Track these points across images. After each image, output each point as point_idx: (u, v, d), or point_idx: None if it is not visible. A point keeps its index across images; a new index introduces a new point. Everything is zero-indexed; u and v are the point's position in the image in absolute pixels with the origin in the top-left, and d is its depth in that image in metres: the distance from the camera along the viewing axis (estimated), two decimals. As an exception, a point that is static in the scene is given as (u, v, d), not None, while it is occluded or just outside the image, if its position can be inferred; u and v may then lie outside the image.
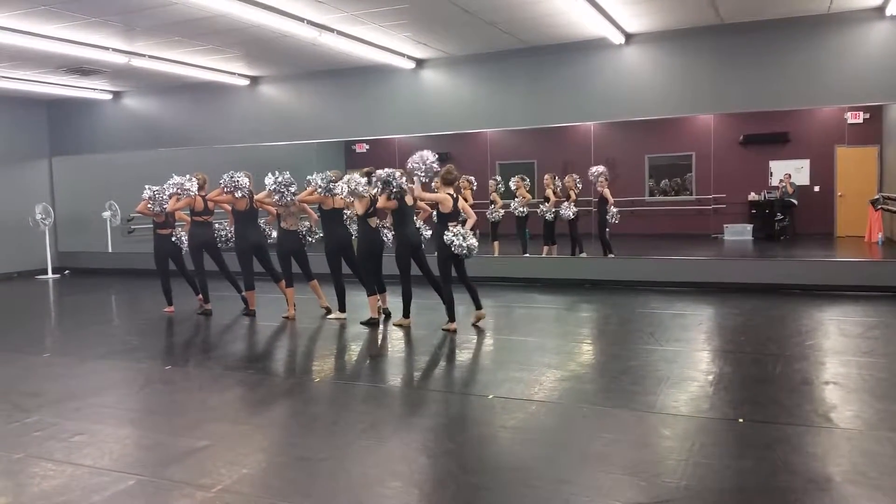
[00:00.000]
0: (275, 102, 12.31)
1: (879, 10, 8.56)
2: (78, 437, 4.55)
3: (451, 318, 7.41)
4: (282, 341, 7.70)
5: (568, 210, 11.91)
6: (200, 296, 8.99)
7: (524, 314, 8.91)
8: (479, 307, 7.68)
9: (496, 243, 12.53)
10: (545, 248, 12.20)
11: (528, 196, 12.50)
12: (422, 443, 4.37)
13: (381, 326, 7.85)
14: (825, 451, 4.06)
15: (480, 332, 7.51)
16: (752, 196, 16.51)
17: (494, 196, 12.51)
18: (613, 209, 11.93)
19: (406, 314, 7.69)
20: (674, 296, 9.47)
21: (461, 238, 7.15)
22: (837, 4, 8.48)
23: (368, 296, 7.91)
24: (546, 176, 12.54)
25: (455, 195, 7.38)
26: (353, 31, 9.03)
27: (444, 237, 7.21)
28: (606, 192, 11.96)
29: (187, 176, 8.73)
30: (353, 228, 8.24)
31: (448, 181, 7.33)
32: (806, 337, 6.91)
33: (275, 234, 8.64)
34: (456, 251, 7.17)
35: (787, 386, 5.27)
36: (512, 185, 12.58)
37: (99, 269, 14.16)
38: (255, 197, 8.54)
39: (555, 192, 12.28)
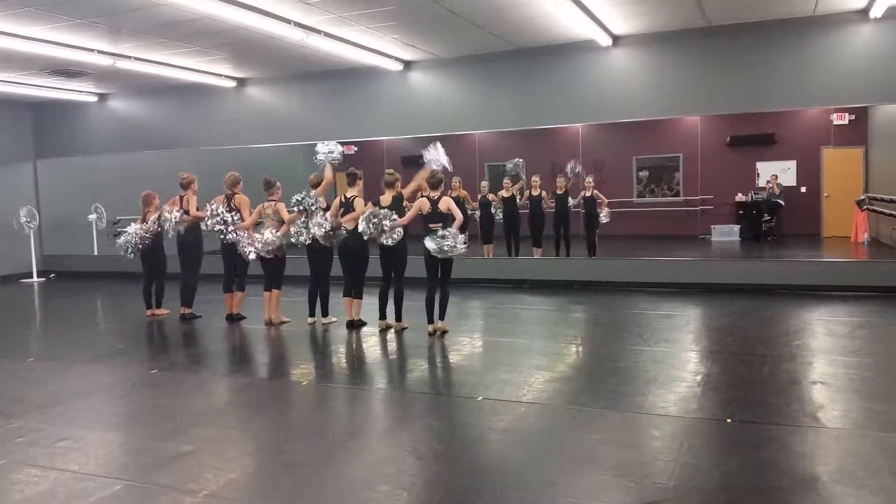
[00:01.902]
0: (262, 104, 12.26)
1: (863, 12, 8.62)
2: (62, 442, 4.50)
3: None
4: (268, 345, 7.65)
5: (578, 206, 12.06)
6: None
7: (513, 315, 8.90)
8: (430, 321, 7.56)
9: (489, 246, 12.53)
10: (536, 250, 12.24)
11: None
12: (410, 445, 4.34)
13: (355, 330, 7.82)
14: (813, 451, 4.07)
15: (469, 334, 7.50)
16: (740, 197, 16.61)
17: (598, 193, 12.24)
18: (605, 209, 11.98)
19: (381, 316, 7.75)
20: (662, 297, 9.49)
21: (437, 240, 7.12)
22: (822, 7, 8.53)
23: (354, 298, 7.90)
24: (534, 177, 12.51)
25: (437, 198, 7.27)
26: (341, 32, 9.00)
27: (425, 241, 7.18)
28: (597, 192, 11.99)
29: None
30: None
31: (432, 184, 7.32)
32: (793, 337, 6.94)
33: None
34: (434, 254, 7.13)
35: (775, 386, 5.29)
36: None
37: (84, 273, 14.04)
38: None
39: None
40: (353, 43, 9.49)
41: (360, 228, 7.30)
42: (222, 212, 8.19)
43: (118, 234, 14.19)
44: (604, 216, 11.98)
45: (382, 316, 7.72)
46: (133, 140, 13.38)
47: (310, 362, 6.88)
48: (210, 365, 6.71)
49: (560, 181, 12.21)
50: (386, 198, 7.56)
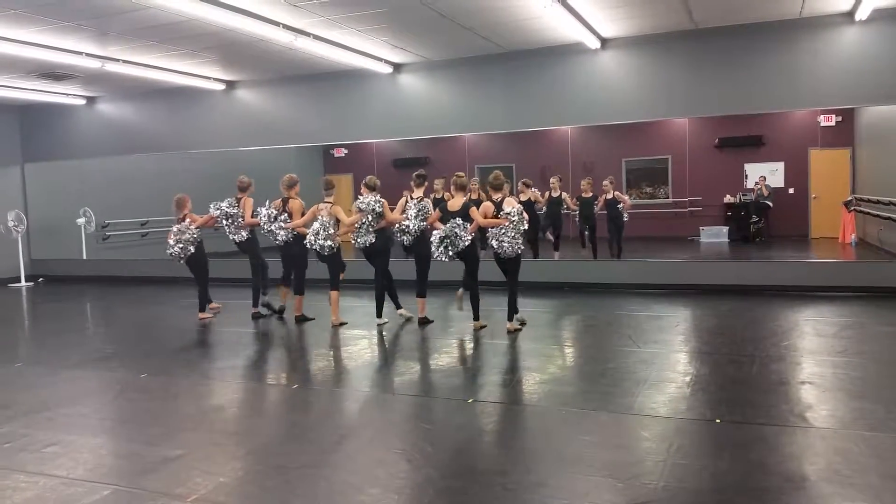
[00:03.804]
0: (251, 107, 12.23)
1: (849, 14, 8.70)
2: (51, 447, 4.47)
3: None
4: (259, 348, 7.63)
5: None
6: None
7: (503, 317, 8.89)
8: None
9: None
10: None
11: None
12: (401, 448, 4.34)
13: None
14: (801, 451, 4.10)
15: (460, 336, 7.50)
16: (728, 198, 16.70)
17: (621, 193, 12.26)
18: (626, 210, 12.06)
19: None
20: (651, 298, 9.52)
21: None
22: (809, 9, 8.60)
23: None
24: (553, 178, 12.47)
25: (500, 199, 7.38)
26: (330, 35, 8.99)
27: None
28: (618, 193, 11.98)
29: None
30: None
31: (495, 186, 7.46)
32: (782, 337, 6.98)
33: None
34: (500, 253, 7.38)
35: (764, 386, 5.32)
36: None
37: (73, 277, 13.96)
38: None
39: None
40: (342, 45, 9.48)
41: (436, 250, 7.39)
42: (276, 213, 8.32)
43: (107, 238, 14.21)
44: (625, 217, 12.03)
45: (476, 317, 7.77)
46: (122, 143, 13.31)
47: (301, 365, 6.85)
48: (200, 368, 6.68)
49: (585, 184, 12.15)
50: (455, 202, 7.57)
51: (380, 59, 10.52)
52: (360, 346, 7.28)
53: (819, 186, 16.13)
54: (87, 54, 9.55)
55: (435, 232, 7.48)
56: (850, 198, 14.64)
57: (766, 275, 9.89)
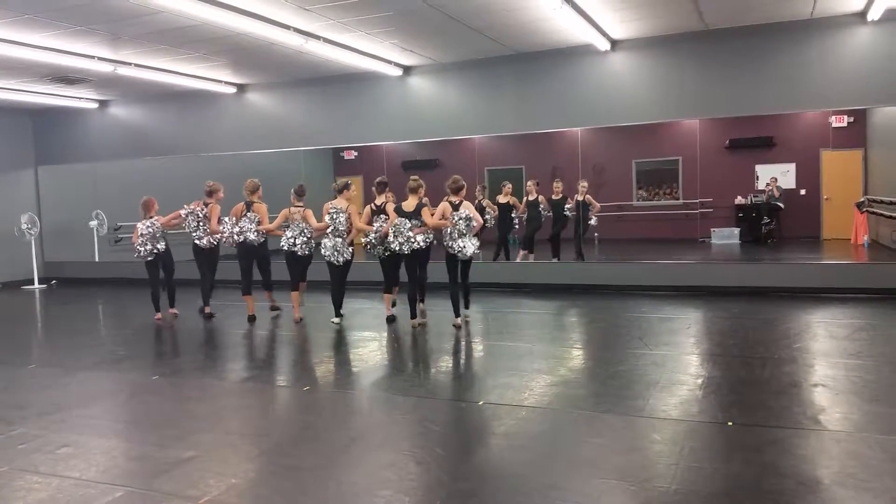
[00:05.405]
0: (262, 110, 12.28)
1: (861, 15, 8.65)
2: (64, 448, 4.50)
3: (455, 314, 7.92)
4: (271, 350, 7.65)
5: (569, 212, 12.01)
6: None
7: (513, 319, 8.90)
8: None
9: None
10: (522, 254, 12.18)
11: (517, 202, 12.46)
12: (411, 450, 4.34)
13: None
14: (814, 454, 4.07)
15: (470, 337, 7.50)
16: (739, 200, 16.61)
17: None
18: (594, 213, 11.95)
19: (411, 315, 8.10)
20: (662, 300, 9.49)
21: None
22: (820, 10, 8.56)
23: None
24: (529, 182, 12.46)
25: (458, 202, 7.67)
26: (340, 38, 9.02)
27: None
28: (589, 197, 11.95)
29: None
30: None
31: (454, 189, 7.73)
32: (794, 340, 6.94)
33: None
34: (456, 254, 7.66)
35: (776, 389, 5.29)
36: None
37: (86, 279, 14.05)
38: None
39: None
40: (352, 48, 9.51)
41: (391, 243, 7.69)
42: (234, 223, 8.56)
43: (119, 240, 14.29)
44: (593, 221, 11.96)
45: (413, 315, 8.02)
46: (134, 146, 13.41)
47: (310, 367, 6.88)
48: (211, 370, 6.71)
49: (556, 186, 12.15)
50: (409, 203, 7.79)
51: (389, 62, 10.54)
52: (369, 349, 7.30)
53: (831, 187, 16.02)
54: (100, 58, 9.62)
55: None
56: (862, 199, 14.54)
57: (777, 276, 9.84)
